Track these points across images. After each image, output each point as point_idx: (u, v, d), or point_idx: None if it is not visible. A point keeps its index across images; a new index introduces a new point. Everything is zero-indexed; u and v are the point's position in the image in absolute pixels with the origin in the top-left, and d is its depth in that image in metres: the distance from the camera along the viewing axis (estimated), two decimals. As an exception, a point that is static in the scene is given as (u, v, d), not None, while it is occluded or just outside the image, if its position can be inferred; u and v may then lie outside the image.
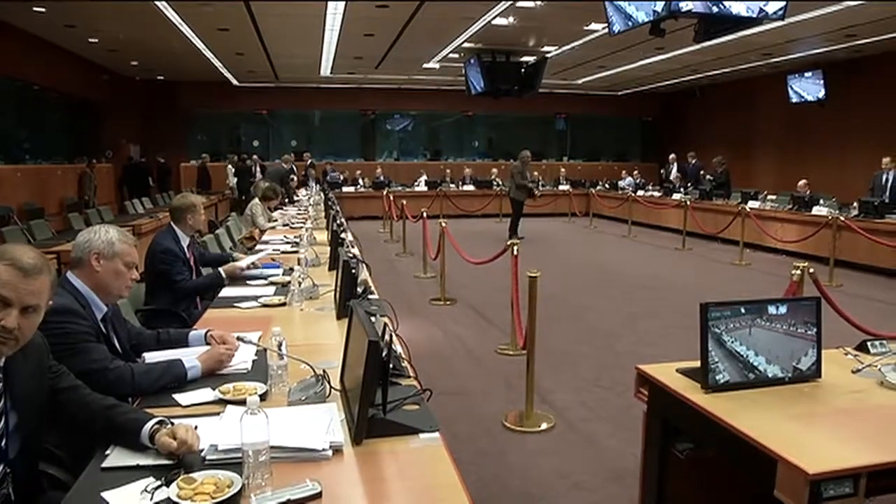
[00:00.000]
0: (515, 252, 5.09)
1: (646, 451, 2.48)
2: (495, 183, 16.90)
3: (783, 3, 6.62)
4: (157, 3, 9.17)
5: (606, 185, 17.06)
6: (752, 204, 11.31)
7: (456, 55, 13.47)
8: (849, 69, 13.84)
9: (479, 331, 6.25)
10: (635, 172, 17.48)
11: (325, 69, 15.58)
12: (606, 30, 8.09)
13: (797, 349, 2.30)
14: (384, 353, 1.85)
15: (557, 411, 4.27)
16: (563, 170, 18.16)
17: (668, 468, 2.41)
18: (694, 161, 15.27)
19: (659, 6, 6.39)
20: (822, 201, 10.46)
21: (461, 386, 4.78)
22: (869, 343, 2.67)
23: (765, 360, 2.25)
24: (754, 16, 6.50)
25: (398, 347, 2.61)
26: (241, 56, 13.78)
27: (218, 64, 14.75)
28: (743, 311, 2.22)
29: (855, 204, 9.83)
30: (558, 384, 4.76)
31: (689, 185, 14.24)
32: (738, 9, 6.34)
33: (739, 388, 2.21)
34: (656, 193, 14.51)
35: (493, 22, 10.46)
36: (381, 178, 16.85)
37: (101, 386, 2.03)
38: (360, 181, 17.07)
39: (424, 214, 8.87)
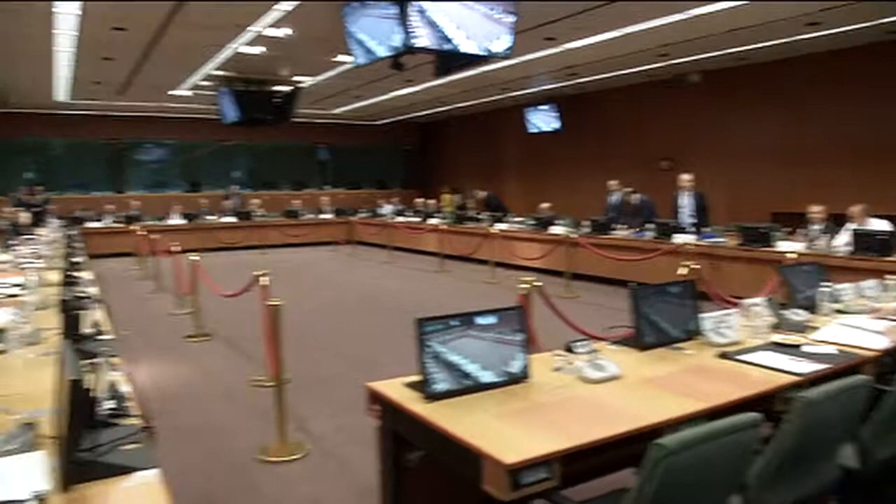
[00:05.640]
0: (265, 282, 5.04)
1: (381, 464, 2.59)
2: (257, 214, 16.61)
3: (509, 44, 7.28)
4: None
5: (368, 213, 17.44)
6: (500, 226, 12.19)
7: (207, 83, 13.05)
8: (577, 103, 15.56)
9: (234, 364, 6.07)
10: (395, 199, 18.05)
11: (62, 94, 14.29)
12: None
13: (507, 354, 2.54)
14: (90, 392, 1.77)
15: (314, 438, 4.28)
16: (324, 198, 18.22)
17: (402, 478, 2.54)
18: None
19: (397, 42, 6.72)
20: (558, 221, 11.56)
21: (214, 422, 4.62)
22: (573, 344, 3.02)
23: (478, 366, 2.46)
24: (483, 54, 7.08)
25: (124, 387, 2.49)
26: (-47, 78, 12.23)
27: (-74, 86, 12.95)
28: (454, 323, 2.42)
29: (586, 222, 10.99)
30: (315, 411, 4.77)
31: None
32: (468, 47, 6.87)
33: (457, 394, 2.39)
34: (415, 219, 15.10)
35: (241, 50, 10.32)
36: (134, 211, 15.69)
37: None
38: (108, 216, 15.72)
39: (176, 249, 8.47)
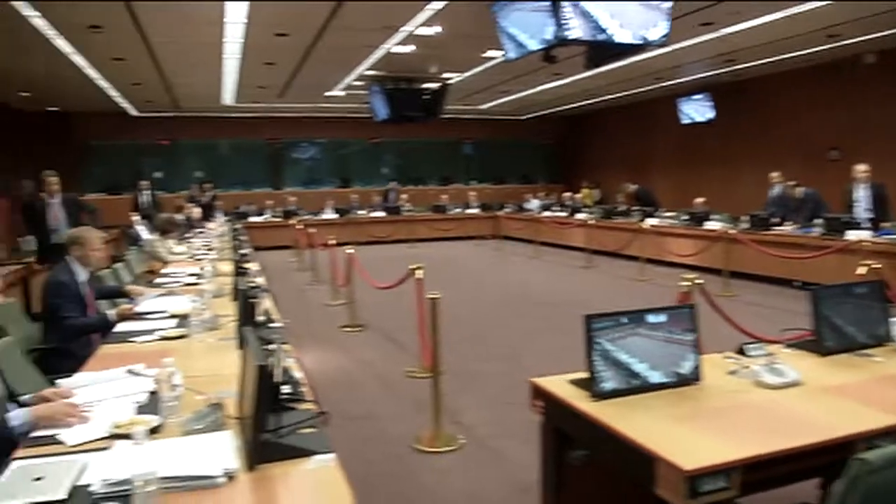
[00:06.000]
0: (420, 276, 5.15)
1: (543, 461, 2.57)
2: (405, 208, 17.10)
3: (665, 31, 7.00)
4: (45, 32, 8.82)
5: (514, 207, 17.46)
6: (650, 221, 11.80)
7: (359, 83, 13.54)
8: (733, 91, 14.73)
9: (388, 355, 6.27)
10: (540, 194, 17.95)
11: (228, 98, 15.36)
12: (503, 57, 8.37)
13: (677, 354, 2.44)
14: (273, 377, 1.87)
15: (467, 430, 4.33)
16: (471, 193, 18.50)
17: (565, 476, 2.50)
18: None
19: (549, 34, 6.64)
20: (713, 216, 11.01)
21: (371, 410, 4.79)
22: (745, 346, 2.86)
23: (647, 366, 2.37)
24: (638, 43, 6.85)
25: (297, 373, 2.62)
26: (138, 86, 13.42)
27: (114, 94, 14.29)
28: (624, 321, 2.34)
29: (744, 217, 10.39)
30: (467, 403, 4.83)
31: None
32: (622, 37, 6.67)
33: (625, 394, 2.32)
34: (561, 214, 14.94)
35: (393, 50, 10.61)
36: (291, 207, 16.62)
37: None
38: (268, 211, 16.78)
39: (332, 242, 8.88)
